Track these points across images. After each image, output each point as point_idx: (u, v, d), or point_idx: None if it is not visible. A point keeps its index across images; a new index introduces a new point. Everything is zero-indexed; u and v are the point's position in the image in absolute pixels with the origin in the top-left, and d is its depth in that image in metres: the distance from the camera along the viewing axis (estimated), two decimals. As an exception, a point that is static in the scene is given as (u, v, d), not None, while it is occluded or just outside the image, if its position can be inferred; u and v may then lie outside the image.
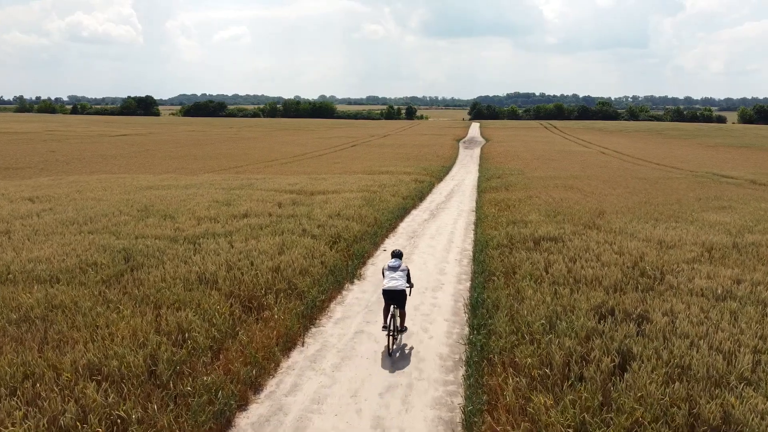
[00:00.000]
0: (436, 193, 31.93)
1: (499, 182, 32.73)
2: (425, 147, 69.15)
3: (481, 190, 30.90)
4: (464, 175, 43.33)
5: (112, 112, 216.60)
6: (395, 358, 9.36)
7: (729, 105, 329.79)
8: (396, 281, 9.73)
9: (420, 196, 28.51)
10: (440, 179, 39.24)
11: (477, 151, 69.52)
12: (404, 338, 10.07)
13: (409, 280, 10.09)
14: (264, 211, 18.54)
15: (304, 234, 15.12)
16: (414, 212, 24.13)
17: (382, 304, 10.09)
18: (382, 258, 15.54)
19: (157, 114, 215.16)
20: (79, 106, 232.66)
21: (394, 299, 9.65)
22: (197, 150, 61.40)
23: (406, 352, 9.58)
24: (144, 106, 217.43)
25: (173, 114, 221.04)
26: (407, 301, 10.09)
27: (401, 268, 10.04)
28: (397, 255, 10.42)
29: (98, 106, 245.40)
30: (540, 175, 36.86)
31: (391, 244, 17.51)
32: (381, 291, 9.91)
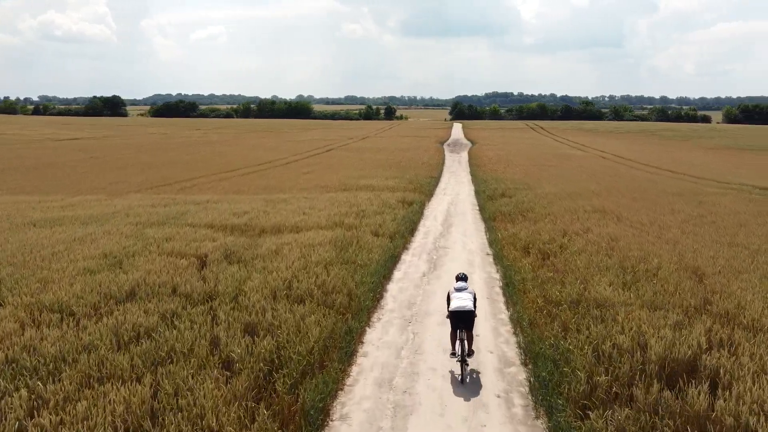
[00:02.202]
0: (429, 217, 24.98)
1: (507, 203, 25.87)
2: (408, 151, 62.29)
3: (489, 215, 23.96)
4: (456, 188, 36.55)
5: (76, 113, 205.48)
6: None
7: (704, 104, 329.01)
8: (464, 301, 9.47)
9: (410, 227, 21.51)
10: (430, 195, 32.38)
11: (464, 156, 62.90)
12: None
13: (474, 308, 9.63)
14: (167, 281, 11.34)
15: (206, 363, 7.84)
16: (406, 259, 17.10)
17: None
18: (367, 407, 8.31)
19: (125, 115, 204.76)
20: (42, 107, 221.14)
21: (463, 320, 9.34)
22: (151, 157, 53.73)
23: None
24: (111, 106, 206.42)
25: (142, 115, 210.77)
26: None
27: (468, 290, 9.78)
28: (462, 278, 10.09)
29: (62, 107, 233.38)
30: (553, 191, 30.14)
31: (374, 345, 10.35)
32: (448, 314, 9.57)
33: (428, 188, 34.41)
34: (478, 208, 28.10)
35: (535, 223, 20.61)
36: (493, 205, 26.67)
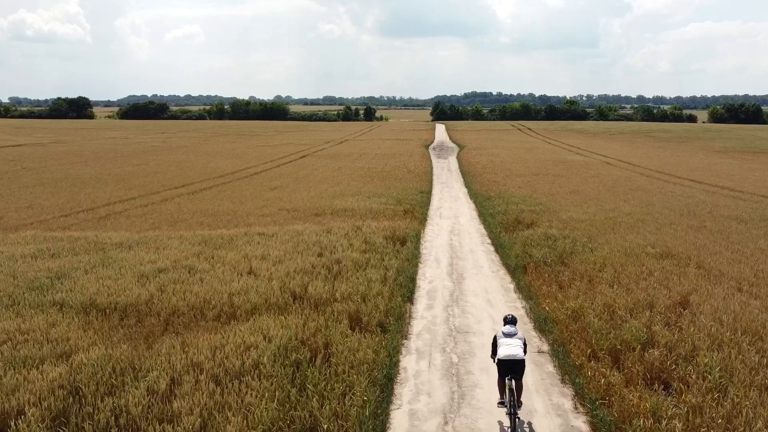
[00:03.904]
0: (429, 260, 18.26)
1: (534, 241, 19.12)
2: (391, 157, 55.49)
3: (515, 262, 17.14)
4: (453, 207, 29.91)
5: (39, 115, 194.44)
6: None
7: (680, 103, 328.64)
8: (515, 348, 8.45)
9: (407, 288, 14.63)
10: (423, 219, 25.72)
11: (453, 162, 56.35)
12: None
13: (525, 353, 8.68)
14: None
15: None
16: (408, 368, 10.20)
17: None
18: None
19: (92, 116, 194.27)
20: (3, 109, 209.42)
21: (514, 370, 8.38)
22: (92, 168, 46.09)
23: None
24: (76, 108, 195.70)
25: (109, 116, 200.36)
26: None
27: (518, 335, 8.71)
28: (510, 321, 8.90)
29: (25, 109, 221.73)
30: (582, 216, 23.63)
31: None
32: (496, 362, 8.62)
33: (420, 209, 27.71)
34: (489, 241, 21.46)
35: (592, 283, 13.91)
36: (512, 240, 19.91)
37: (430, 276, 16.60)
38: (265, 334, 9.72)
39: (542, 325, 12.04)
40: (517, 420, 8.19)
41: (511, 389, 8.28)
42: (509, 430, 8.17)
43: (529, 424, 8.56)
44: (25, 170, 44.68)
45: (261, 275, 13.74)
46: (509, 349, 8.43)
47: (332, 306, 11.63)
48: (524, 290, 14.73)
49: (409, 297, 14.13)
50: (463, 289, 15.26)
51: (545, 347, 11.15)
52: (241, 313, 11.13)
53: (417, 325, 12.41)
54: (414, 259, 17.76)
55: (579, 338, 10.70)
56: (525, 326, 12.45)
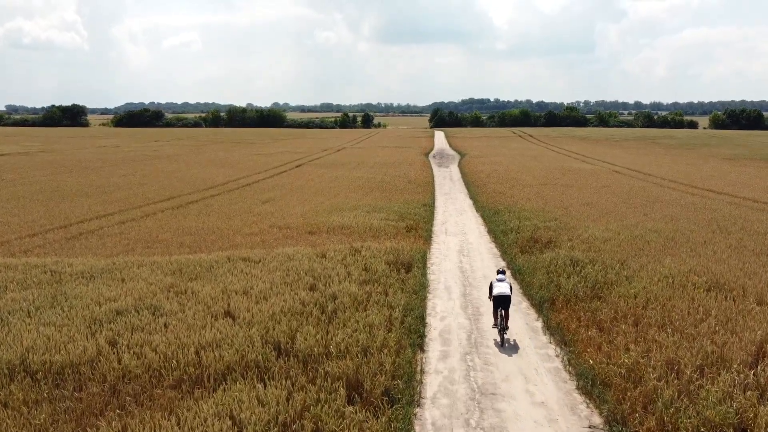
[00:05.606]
0: (438, 290, 15.94)
1: (557, 266, 16.72)
2: (391, 167, 53.13)
3: (540, 294, 14.73)
4: (460, 221, 27.59)
5: (33, 123, 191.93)
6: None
7: (677, 109, 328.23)
8: (504, 288, 12.22)
9: (416, 336, 12.25)
10: (428, 236, 23.53)
11: (455, 170, 54.11)
12: None
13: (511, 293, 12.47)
14: None
15: None
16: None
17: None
18: None
19: (86, 124, 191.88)
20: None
21: (503, 303, 12.06)
22: (75, 179, 43.57)
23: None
24: (71, 115, 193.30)
25: (104, 124, 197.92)
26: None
27: (506, 281, 12.52)
28: (501, 272, 12.92)
29: (18, 116, 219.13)
30: (604, 233, 21.31)
31: None
32: (492, 298, 12.34)
33: (424, 225, 25.39)
34: (504, 264, 19.06)
35: (639, 326, 11.52)
36: (532, 264, 17.51)
37: (442, 310, 14.23)
38: (235, 416, 7.31)
39: (588, 386, 9.61)
40: (505, 336, 12.05)
41: (501, 316, 12.06)
42: (499, 343, 11.99)
43: (515, 341, 12.30)
44: (3, 182, 42.22)
45: (240, 318, 11.33)
46: (500, 288, 12.26)
47: (325, 365, 9.22)
48: (556, 332, 12.35)
49: (420, 343, 11.73)
50: (481, 329, 12.89)
51: (597, 419, 8.74)
52: (209, 377, 8.72)
53: (431, 384, 10.01)
54: (422, 290, 15.37)
55: (643, 411, 8.29)
56: (566, 385, 10.03)
